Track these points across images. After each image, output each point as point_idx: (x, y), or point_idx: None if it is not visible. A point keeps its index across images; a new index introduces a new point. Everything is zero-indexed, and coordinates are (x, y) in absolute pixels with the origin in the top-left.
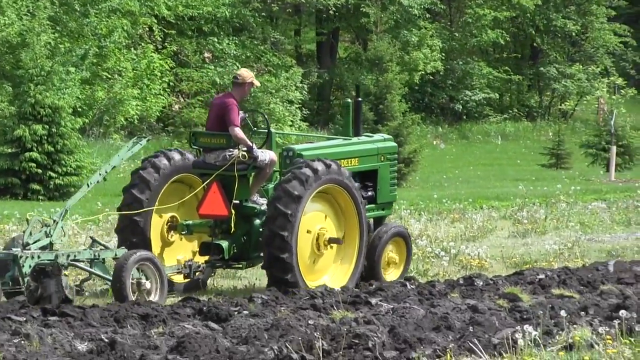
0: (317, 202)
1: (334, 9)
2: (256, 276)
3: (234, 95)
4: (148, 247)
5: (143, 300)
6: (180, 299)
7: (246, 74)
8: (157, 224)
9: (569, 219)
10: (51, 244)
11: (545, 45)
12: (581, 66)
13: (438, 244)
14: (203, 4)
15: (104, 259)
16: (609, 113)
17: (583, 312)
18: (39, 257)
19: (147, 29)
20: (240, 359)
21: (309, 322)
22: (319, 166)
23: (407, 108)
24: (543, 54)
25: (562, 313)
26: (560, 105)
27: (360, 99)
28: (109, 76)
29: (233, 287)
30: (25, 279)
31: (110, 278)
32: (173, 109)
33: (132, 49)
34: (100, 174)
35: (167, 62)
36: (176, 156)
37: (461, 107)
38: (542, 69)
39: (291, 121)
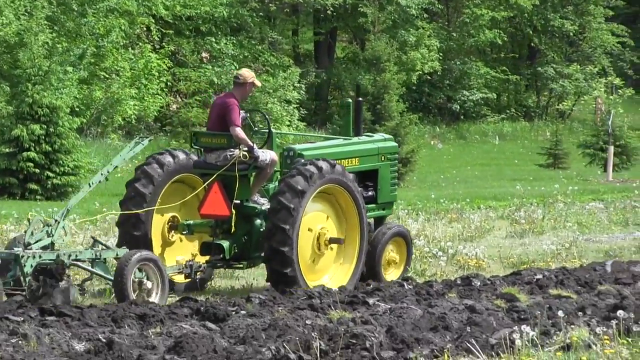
0: (319, 202)
1: (331, 8)
2: (254, 276)
3: (235, 95)
4: (149, 241)
5: (143, 300)
6: (177, 299)
7: (247, 74)
8: (158, 224)
9: (566, 219)
10: (52, 243)
11: (543, 45)
12: (579, 66)
13: (435, 244)
14: (201, 3)
15: (105, 259)
16: (607, 113)
17: (580, 313)
18: (40, 256)
19: (145, 28)
20: (238, 359)
21: (307, 322)
22: (324, 165)
23: (404, 108)
24: (541, 54)
25: (560, 313)
26: (558, 105)
27: (360, 99)
28: (107, 76)
29: (231, 287)
30: (27, 279)
31: (112, 278)
32: (171, 108)
33: (130, 48)
34: (102, 174)
35: (164, 62)
36: (181, 155)
37: (459, 107)
38: (539, 69)
39: (289, 121)
